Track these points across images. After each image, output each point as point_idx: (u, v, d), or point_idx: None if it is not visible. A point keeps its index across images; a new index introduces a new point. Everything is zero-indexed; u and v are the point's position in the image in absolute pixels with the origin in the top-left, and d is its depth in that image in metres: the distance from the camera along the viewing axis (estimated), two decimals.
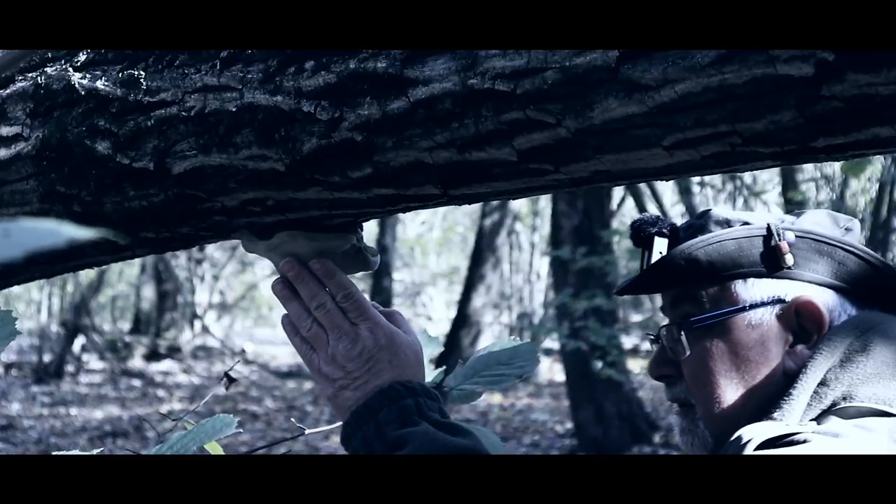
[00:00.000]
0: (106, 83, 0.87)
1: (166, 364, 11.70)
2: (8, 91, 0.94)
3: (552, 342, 8.27)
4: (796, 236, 0.93)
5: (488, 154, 0.72)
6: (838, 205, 6.19)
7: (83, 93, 0.87)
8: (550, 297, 9.57)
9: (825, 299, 0.92)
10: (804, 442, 0.76)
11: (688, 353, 0.93)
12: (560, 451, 6.60)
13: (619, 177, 0.74)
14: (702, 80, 0.62)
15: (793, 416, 0.84)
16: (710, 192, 9.49)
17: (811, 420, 0.85)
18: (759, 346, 0.92)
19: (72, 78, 0.88)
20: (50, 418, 7.91)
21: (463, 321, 9.19)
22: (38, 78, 0.91)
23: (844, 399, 0.85)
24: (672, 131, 0.66)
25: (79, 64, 0.89)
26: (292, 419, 0.85)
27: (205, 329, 12.69)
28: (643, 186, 6.59)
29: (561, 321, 6.32)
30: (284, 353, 13.37)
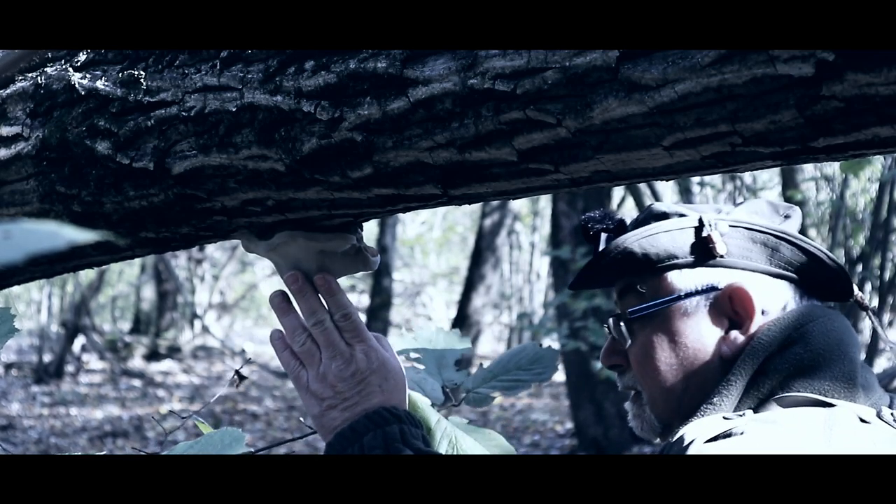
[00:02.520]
0: (106, 83, 0.87)
1: (166, 364, 11.70)
2: (8, 91, 0.94)
3: (552, 342, 8.27)
4: (729, 226, 0.95)
5: (488, 154, 0.72)
6: (838, 205, 6.19)
7: (83, 93, 0.87)
8: (550, 297, 9.57)
9: (759, 286, 0.94)
10: (741, 434, 0.78)
11: (629, 342, 0.97)
12: (560, 451, 6.60)
13: (619, 177, 0.74)
14: (702, 80, 0.62)
15: (729, 402, 0.87)
16: (710, 192, 9.49)
17: (749, 408, 0.87)
18: (694, 333, 0.94)
19: (72, 78, 0.88)
20: (50, 418, 7.91)
21: (463, 321, 9.18)
22: (38, 78, 0.91)
23: (783, 388, 0.87)
24: (672, 131, 0.66)
25: (79, 64, 0.89)
26: (300, 419, 0.85)
27: (205, 329, 12.68)
28: (643, 186, 6.59)
29: (561, 321, 6.31)
30: None
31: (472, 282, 9.36)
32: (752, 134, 0.64)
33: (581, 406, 6.49)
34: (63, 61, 0.90)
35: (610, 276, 1.02)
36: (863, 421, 0.80)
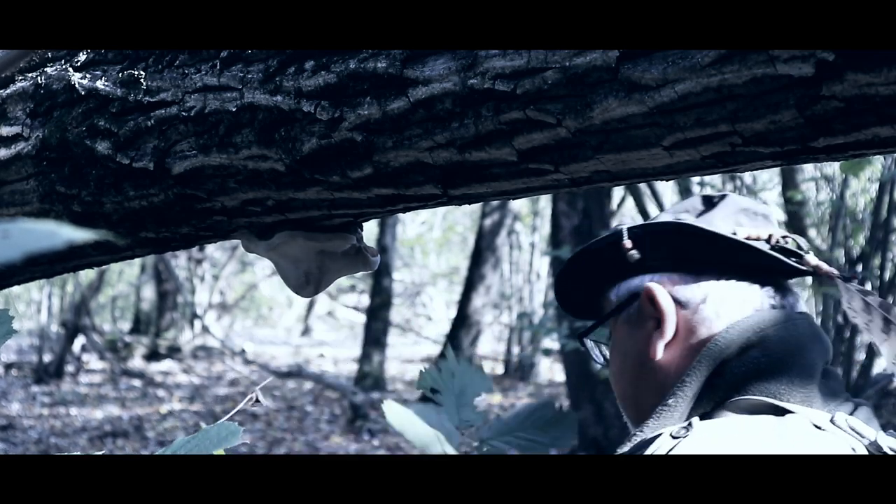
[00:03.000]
0: (106, 83, 0.87)
1: (166, 364, 11.70)
2: (8, 91, 0.94)
3: (552, 342, 8.27)
4: (642, 230, 0.96)
5: (488, 154, 0.72)
6: (838, 205, 6.19)
7: (83, 93, 0.87)
8: (550, 297, 9.56)
9: (673, 283, 0.94)
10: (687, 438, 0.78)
11: (593, 359, 1.03)
12: (560, 450, 6.59)
13: (619, 177, 0.74)
14: (702, 80, 0.62)
15: (684, 404, 0.86)
16: (710, 192, 9.49)
17: (704, 411, 0.86)
18: (632, 341, 0.96)
19: (72, 78, 0.88)
20: (50, 418, 7.91)
21: (463, 321, 9.18)
22: (38, 78, 0.91)
23: (739, 391, 0.85)
24: (672, 131, 0.66)
25: (79, 64, 0.89)
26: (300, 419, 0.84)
27: (205, 329, 12.68)
28: (643, 186, 6.59)
29: (560, 321, 6.31)
30: (284, 353, 13.38)
31: (472, 282, 9.35)
32: (752, 134, 0.64)
33: (581, 406, 6.49)
34: (63, 61, 0.90)
35: (568, 299, 1.06)
36: (817, 427, 0.79)
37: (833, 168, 6.22)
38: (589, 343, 1.05)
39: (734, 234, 0.92)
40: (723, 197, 0.99)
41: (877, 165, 5.47)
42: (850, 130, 0.62)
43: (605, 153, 0.69)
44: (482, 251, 9.39)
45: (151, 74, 0.84)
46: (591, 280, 1.00)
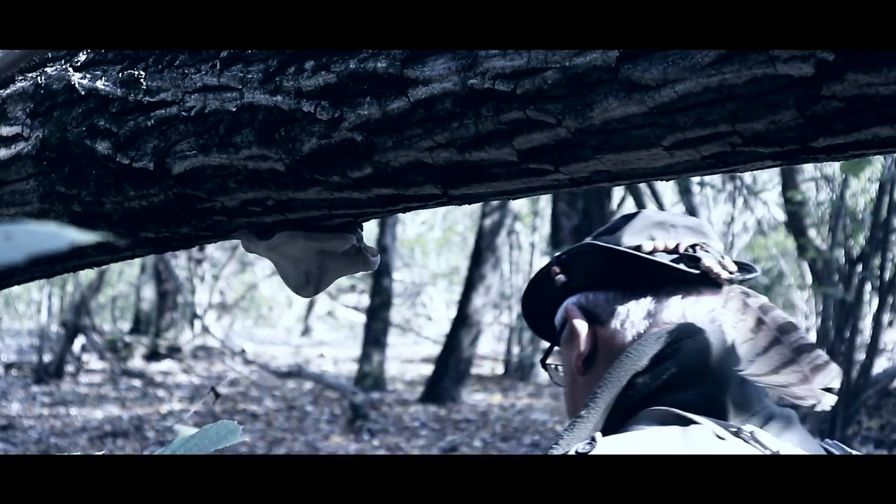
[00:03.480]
0: (106, 83, 0.87)
1: (166, 364, 11.70)
2: (8, 91, 0.94)
3: None
4: (567, 255, 1.03)
5: (488, 154, 0.72)
6: (838, 205, 6.19)
7: (83, 93, 0.88)
8: None
9: (588, 302, 0.99)
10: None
11: (555, 383, 1.08)
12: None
13: (619, 177, 0.74)
14: (702, 80, 0.62)
15: (596, 415, 0.88)
16: (710, 192, 9.48)
17: (617, 423, 0.88)
18: (567, 359, 1.01)
19: (72, 78, 0.88)
20: (50, 418, 7.91)
21: (463, 321, 9.18)
22: (38, 78, 0.91)
23: (651, 402, 0.87)
24: (672, 131, 0.66)
25: (79, 64, 0.89)
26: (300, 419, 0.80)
27: (205, 329, 12.67)
28: (643, 186, 6.59)
29: None
30: (284, 353, 13.38)
31: (472, 282, 9.35)
32: (752, 134, 0.64)
33: None
34: (63, 61, 0.90)
35: (533, 326, 1.14)
36: (719, 438, 0.82)
37: (833, 168, 6.22)
38: (550, 367, 1.09)
39: (639, 247, 0.96)
40: (637, 213, 1.03)
41: (877, 165, 5.47)
42: (850, 130, 0.62)
43: (605, 153, 0.69)
44: (482, 251, 9.39)
45: (151, 74, 0.84)
46: (543, 306, 1.06)
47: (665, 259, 0.94)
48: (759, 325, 0.89)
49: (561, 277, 1.02)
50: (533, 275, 1.07)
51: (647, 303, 0.95)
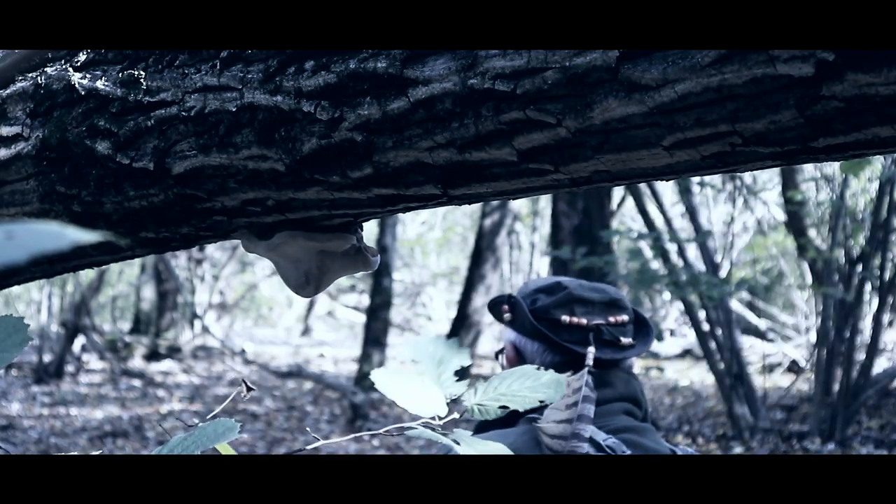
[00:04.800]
0: (106, 83, 0.87)
1: (166, 364, 11.70)
2: (8, 91, 0.94)
3: None
4: (513, 300, 1.47)
5: (488, 154, 0.72)
6: (838, 205, 6.19)
7: (83, 93, 0.87)
8: None
9: (524, 340, 1.46)
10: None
11: None
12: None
13: (619, 177, 0.74)
14: (702, 80, 0.62)
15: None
16: (710, 192, 9.48)
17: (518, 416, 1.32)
18: (504, 365, 1.50)
19: (72, 78, 0.88)
20: (50, 418, 7.91)
21: (463, 321, 9.18)
22: (38, 78, 0.91)
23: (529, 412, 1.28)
24: (672, 131, 0.66)
25: (79, 64, 0.89)
26: (308, 429, 0.82)
27: (205, 329, 12.68)
28: (643, 186, 6.59)
29: None
30: (284, 353, 13.38)
31: (472, 282, 9.35)
32: (752, 134, 0.64)
33: None
34: (63, 61, 0.90)
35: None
36: (561, 438, 1.26)
37: (833, 168, 6.22)
38: (499, 361, 1.53)
39: (559, 320, 1.41)
40: (566, 289, 1.43)
41: (877, 165, 5.47)
42: (850, 130, 0.62)
43: (605, 153, 0.69)
44: (482, 251, 9.39)
45: (151, 74, 0.84)
46: (499, 315, 1.52)
47: (571, 335, 1.41)
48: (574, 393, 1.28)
49: (507, 316, 1.48)
50: (495, 297, 1.53)
51: (549, 355, 1.43)
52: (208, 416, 0.72)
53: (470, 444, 0.73)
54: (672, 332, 12.77)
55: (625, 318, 1.43)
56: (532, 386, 0.83)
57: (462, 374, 0.98)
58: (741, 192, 8.26)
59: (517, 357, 1.46)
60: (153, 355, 12.10)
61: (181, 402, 8.99)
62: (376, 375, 0.82)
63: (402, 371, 0.85)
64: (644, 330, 1.47)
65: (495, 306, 1.51)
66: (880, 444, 6.03)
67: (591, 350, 1.37)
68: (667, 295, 12.14)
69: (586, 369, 1.29)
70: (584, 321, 1.39)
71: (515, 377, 0.85)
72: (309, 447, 0.76)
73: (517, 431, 1.32)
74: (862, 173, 5.48)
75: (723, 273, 6.83)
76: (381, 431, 0.78)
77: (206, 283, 14.24)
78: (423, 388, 0.83)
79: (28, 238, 0.35)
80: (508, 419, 1.20)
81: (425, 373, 0.86)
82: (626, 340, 1.41)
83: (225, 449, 0.76)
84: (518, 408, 0.81)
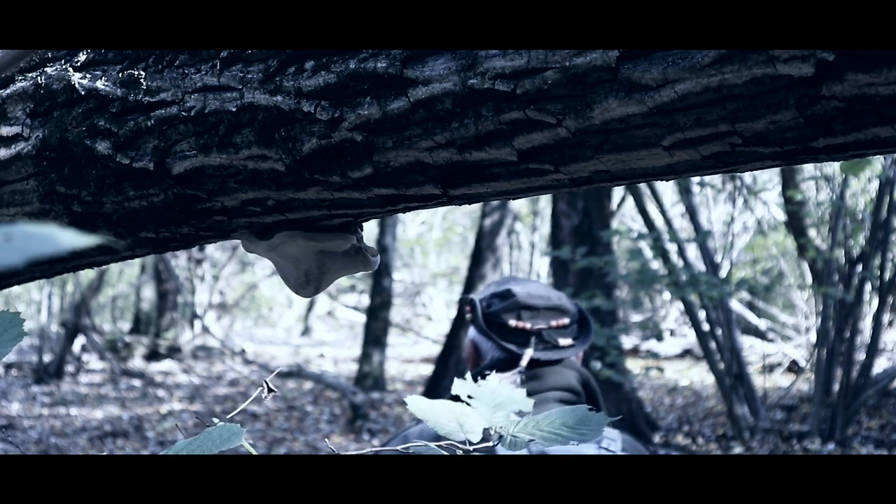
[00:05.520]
0: (106, 83, 0.87)
1: (166, 364, 11.71)
2: (8, 91, 0.94)
3: None
4: (475, 301, 1.65)
5: (488, 154, 0.72)
6: (838, 205, 6.19)
7: (83, 93, 0.88)
8: None
9: (480, 338, 1.67)
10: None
11: None
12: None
13: (619, 177, 0.74)
14: (702, 80, 0.62)
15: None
16: (710, 192, 9.48)
17: None
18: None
19: (72, 78, 0.88)
20: (50, 418, 7.91)
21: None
22: (38, 78, 0.91)
23: None
24: (672, 131, 0.66)
25: (79, 64, 0.89)
26: (326, 440, 0.82)
27: (205, 329, 12.68)
28: (643, 186, 6.59)
29: None
30: (284, 353, 13.37)
31: (472, 282, 9.35)
32: (752, 134, 0.64)
33: None
34: (63, 61, 0.90)
35: None
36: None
37: (833, 168, 6.22)
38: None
39: (506, 324, 1.61)
40: (514, 296, 1.62)
41: (877, 165, 5.47)
42: (850, 130, 0.62)
43: (605, 153, 0.69)
44: (482, 251, 9.39)
45: (151, 74, 0.84)
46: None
47: (517, 337, 1.61)
48: None
49: (468, 316, 1.66)
50: (462, 297, 2.16)
51: (497, 353, 1.62)
52: (227, 417, 0.72)
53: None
54: (672, 332, 12.77)
55: (565, 321, 1.62)
56: (573, 426, 0.82)
57: (466, 371, 0.99)
58: (741, 192, 8.26)
59: (474, 351, 1.68)
60: (153, 355, 12.11)
61: (181, 402, 8.99)
62: (411, 401, 0.82)
63: (444, 401, 0.84)
64: (586, 329, 1.66)
65: (462, 305, 1.95)
66: (880, 444, 6.03)
67: (529, 352, 1.57)
68: (667, 295, 12.14)
69: (518, 369, 1.55)
70: (528, 325, 1.59)
71: (564, 415, 0.83)
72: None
73: None
74: (862, 173, 5.48)
75: (723, 273, 6.83)
76: (398, 448, 0.77)
77: (206, 283, 14.24)
78: (461, 414, 0.83)
79: (25, 241, 0.35)
80: None
81: (478, 408, 0.85)
82: (564, 342, 1.61)
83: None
84: (545, 445, 0.80)
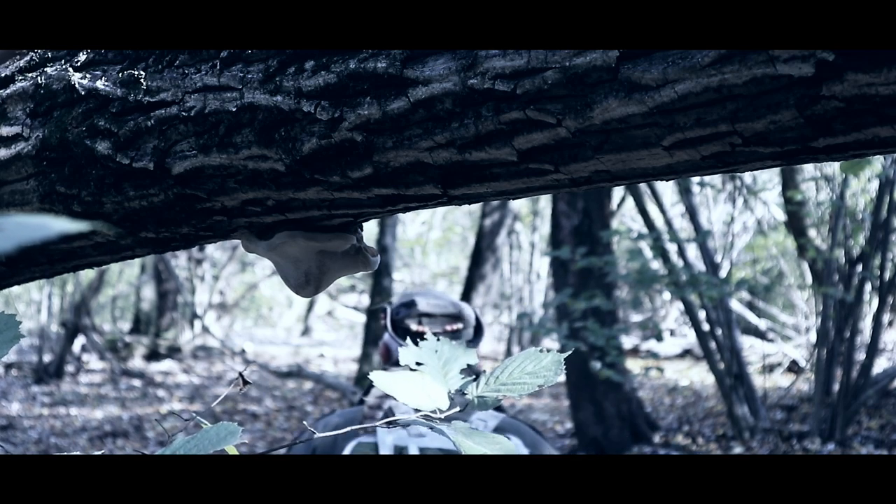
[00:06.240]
0: (106, 83, 0.87)
1: (166, 364, 11.70)
2: (8, 91, 0.94)
3: (552, 342, 8.26)
4: (388, 309, 2.03)
5: (488, 154, 0.72)
6: (838, 205, 6.19)
7: (83, 93, 0.88)
8: (550, 297, 9.56)
9: (390, 340, 2.00)
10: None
11: None
12: (560, 451, 6.60)
13: (619, 177, 0.74)
14: (702, 80, 0.62)
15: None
16: (710, 192, 9.48)
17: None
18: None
19: (72, 78, 0.88)
20: (50, 418, 7.91)
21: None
22: (38, 78, 0.91)
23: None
24: (672, 131, 0.66)
25: (79, 64, 0.89)
26: (304, 422, 0.83)
27: (205, 329, 12.67)
28: (643, 186, 6.59)
29: (560, 321, 6.32)
30: (284, 353, 13.37)
31: (472, 282, 9.36)
32: (752, 134, 0.64)
33: (581, 406, 6.49)
34: (63, 61, 0.90)
35: None
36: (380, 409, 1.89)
37: (833, 168, 6.22)
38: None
39: (408, 328, 1.96)
40: (414, 303, 1.99)
41: (877, 165, 5.47)
42: (850, 130, 0.62)
43: (605, 153, 0.69)
44: (482, 251, 9.40)
45: (151, 74, 0.84)
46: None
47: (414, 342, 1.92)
48: None
49: (382, 321, 2.02)
50: (380, 305, 2.27)
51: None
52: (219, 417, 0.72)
53: (467, 436, 0.74)
54: (672, 332, 12.77)
55: (459, 326, 1.99)
56: (533, 370, 0.84)
57: (469, 371, 1.00)
58: (741, 192, 8.26)
59: (386, 351, 2.04)
60: (153, 355, 12.10)
61: (181, 402, 8.99)
62: (375, 376, 0.82)
63: (403, 373, 0.85)
64: (479, 333, 2.03)
65: (380, 311, 2.06)
66: (880, 444, 6.03)
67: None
68: (667, 295, 12.14)
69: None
70: (426, 329, 1.96)
71: (517, 362, 0.86)
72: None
73: (357, 409, 1.93)
74: (862, 173, 5.48)
75: (723, 273, 6.83)
76: (377, 424, 0.78)
77: (206, 283, 14.24)
78: (424, 384, 0.84)
79: (16, 229, 0.35)
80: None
81: (429, 372, 0.86)
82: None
83: (229, 449, 0.76)
84: (516, 395, 0.81)
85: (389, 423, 0.81)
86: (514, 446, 0.76)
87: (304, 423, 0.80)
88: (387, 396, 1.84)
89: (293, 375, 9.54)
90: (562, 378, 0.83)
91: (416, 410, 1.75)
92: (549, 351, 0.86)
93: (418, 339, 1.93)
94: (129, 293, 15.37)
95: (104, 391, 9.52)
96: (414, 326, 1.97)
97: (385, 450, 1.80)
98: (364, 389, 1.98)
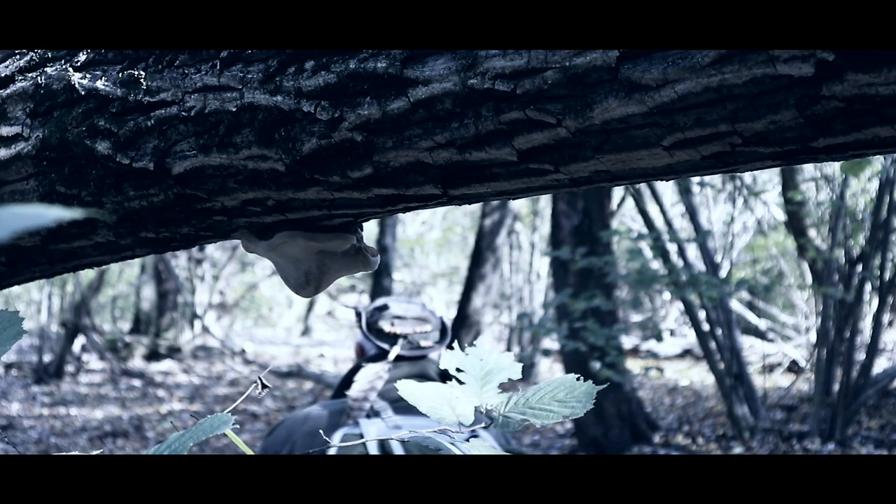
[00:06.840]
0: (106, 83, 0.87)
1: (166, 364, 11.70)
2: (8, 91, 0.94)
3: (552, 342, 8.26)
4: (362, 312, 2.20)
5: (488, 154, 0.72)
6: (838, 205, 6.19)
7: (83, 93, 0.88)
8: (550, 297, 9.56)
9: (364, 340, 2.20)
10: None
11: None
12: (560, 451, 6.60)
13: (619, 177, 0.74)
14: (702, 80, 0.62)
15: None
16: (710, 192, 9.48)
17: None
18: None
19: (72, 78, 0.88)
20: (50, 418, 7.91)
21: (463, 321, 9.19)
22: (38, 78, 0.91)
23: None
24: (672, 131, 0.66)
25: (79, 64, 0.89)
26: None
27: (205, 329, 12.68)
28: (643, 186, 6.59)
29: (560, 321, 6.31)
30: (284, 353, 13.37)
31: (472, 282, 9.36)
32: (752, 134, 0.64)
33: None
34: (63, 61, 0.90)
35: None
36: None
37: (833, 168, 6.22)
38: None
39: (381, 329, 2.14)
40: (387, 306, 2.20)
41: (877, 165, 5.47)
42: (850, 130, 0.62)
43: (605, 153, 0.69)
44: (482, 251, 9.40)
45: (151, 74, 0.84)
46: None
47: (389, 339, 2.14)
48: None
49: (356, 323, 2.19)
50: (354, 308, 2.26)
51: (374, 350, 2.15)
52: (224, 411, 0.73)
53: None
54: (672, 332, 12.77)
55: (427, 328, 2.17)
56: (563, 399, 0.81)
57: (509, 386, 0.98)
58: (741, 192, 8.26)
59: (360, 349, 2.23)
60: (153, 355, 12.10)
61: (181, 402, 8.99)
62: (402, 386, 0.82)
63: (430, 384, 0.84)
64: (445, 335, 2.21)
65: (355, 314, 2.24)
66: (880, 444, 6.03)
67: (396, 349, 2.11)
68: (667, 295, 12.14)
69: (387, 360, 2.07)
70: (397, 330, 2.13)
71: (550, 387, 0.83)
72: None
73: (342, 400, 2.08)
74: (862, 173, 5.48)
75: (723, 273, 6.83)
76: (393, 437, 0.78)
77: (206, 283, 14.24)
78: (449, 396, 0.83)
79: (9, 218, 0.36)
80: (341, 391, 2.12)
81: (468, 384, 0.85)
82: (425, 343, 2.15)
83: (243, 447, 0.77)
84: (538, 423, 0.79)
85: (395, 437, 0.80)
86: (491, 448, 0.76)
87: (286, 415, 0.80)
88: (371, 390, 2.00)
89: (293, 375, 9.53)
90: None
91: (397, 406, 1.86)
92: (585, 381, 0.83)
93: (391, 338, 2.17)
94: (129, 293, 15.37)
95: (104, 391, 9.52)
96: (387, 328, 2.15)
97: (370, 441, 1.96)
98: (342, 382, 2.14)
